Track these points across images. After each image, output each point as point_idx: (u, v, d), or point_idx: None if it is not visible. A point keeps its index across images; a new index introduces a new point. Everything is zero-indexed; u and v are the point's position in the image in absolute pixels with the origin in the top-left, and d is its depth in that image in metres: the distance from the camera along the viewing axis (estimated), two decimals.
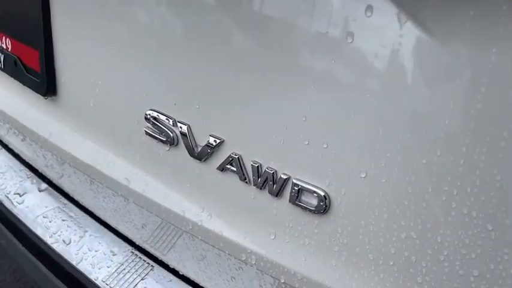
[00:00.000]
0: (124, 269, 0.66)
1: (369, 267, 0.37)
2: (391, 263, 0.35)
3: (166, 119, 0.46)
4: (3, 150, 0.88)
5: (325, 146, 0.36)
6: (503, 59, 0.28)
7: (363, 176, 0.35)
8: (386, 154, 0.33)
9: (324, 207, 0.37)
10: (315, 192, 0.37)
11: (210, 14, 0.42)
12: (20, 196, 0.80)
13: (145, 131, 0.49)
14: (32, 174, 0.81)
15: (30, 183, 0.81)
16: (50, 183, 0.79)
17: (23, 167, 0.84)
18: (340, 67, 0.34)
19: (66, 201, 0.76)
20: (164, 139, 0.47)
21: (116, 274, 0.65)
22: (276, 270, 0.42)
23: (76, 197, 0.72)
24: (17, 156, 0.84)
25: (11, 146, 0.81)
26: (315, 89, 0.35)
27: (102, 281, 0.64)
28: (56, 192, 0.79)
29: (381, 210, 0.35)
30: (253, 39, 0.39)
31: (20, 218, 0.75)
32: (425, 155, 0.31)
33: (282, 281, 0.42)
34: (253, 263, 0.44)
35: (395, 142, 0.32)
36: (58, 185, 0.76)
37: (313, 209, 0.38)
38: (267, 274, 0.43)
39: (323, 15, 0.34)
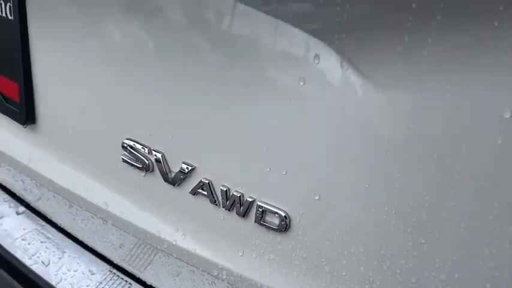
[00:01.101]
0: (103, 287, 0.68)
1: (325, 277, 0.42)
2: (344, 274, 0.41)
3: (142, 147, 0.51)
4: None
5: (284, 172, 0.41)
6: (425, 99, 0.34)
7: (317, 198, 0.40)
8: (335, 180, 0.38)
9: (285, 225, 0.42)
10: (276, 213, 0.42)
11: (177, 55, 0.46)
12: None
13: (122, 158, 0.53)
14: (10, 197, 0.83)
15: (8, 207, 0.83)
16: (27, 206, 0.81)
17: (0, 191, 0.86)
18: (294, 106, 0.39)
19: (44, 223, 0.79)
20: (140, 166, 0.51)
21: None
22: (245, 284, 0.47)
23: (54, 219, 0.75)
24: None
25: None
26: (274, 125, 0.41)
27: None
28: (33, 215, 0.81)
29: (333, 228, 0.40)
30: (219, 78, 0.44)
31: None
32: (366, 186, 0.37)
33: None
34: (224, 277, 0.48)
35: (342, 171, 0.38)
36: (36, 207, 0.79)
37: (276, 227, 0.43)
38: None
39: (281, 61, 0.39)
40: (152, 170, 0.51)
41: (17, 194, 0.81)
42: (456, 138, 0.33)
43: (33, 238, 0.77)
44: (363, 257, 0.39)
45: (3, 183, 0.83)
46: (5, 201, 0.84)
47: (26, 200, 0.79)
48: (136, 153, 0.51)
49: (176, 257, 0.52)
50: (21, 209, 0.83)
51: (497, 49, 0.30)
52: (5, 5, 0.59)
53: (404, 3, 0.31)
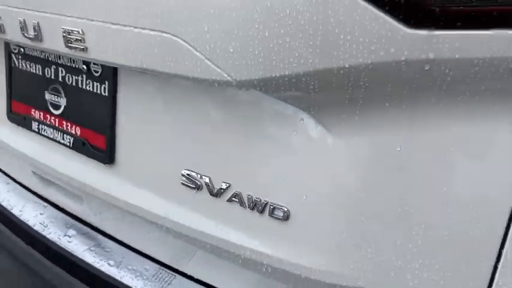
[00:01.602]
0: (155, 279, 0.96)
1: (314, 248, 0.72)
2: (328, 246, 0.71)
3: (196, 174, 0.81)
4: (50, 206, 1.18)
5: (285, 184, 0.72)
6: (368, 144, 0.65)
7: (304, 198, 0.71)
8: (311, 191, 0.69)
9: (286, 216, 0.73)
10: (281, 208, 0.73)
11: (212, 121, 0.78)
12: (69, 237, 1.10)
13: (182, 182, 0.83)
14: (75, 222, 1.12)
15: (75, 229, 1.11)
16: (90, 227, 1.10)
17: (66, 217, 1.15)
18: (290, 147, 0.71)
19: (104, 239, 1.07)
20: (193, 186, 0.82)
21: (149, 282, 0.96)
22: (261, 256, 0.76)
23: (114, 234, 1.04)
24: (62, 209, 1.15)
25: (59, 204, 1.12)
26: (277, 157, 0.72)
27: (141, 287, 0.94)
28: (95, 233, 1.10)
29: (316, 216, 0.70)
30: (245, 130, 0.76)
31: (71, 252, 1.05)
32: (330, 201, 0.68)
33: (271, 266, 0.75)
34: (247, 254, 0.77)
35: (315, 188, 0.69)
36: (98, 226, 1.08)
37: (281, 218, 0.73)
38: (266, 264, 0.76)
39: (283, 121, 0.71)
40: (201, 188, 0.81)
41: (82, 218, 1.10)
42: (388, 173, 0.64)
43: (98, 249, 1.06)
44: (343, 234, 0.69)
45: (70, 211, 1.12)
46: (72, 224, 1.13)
47: (89, 222, 1.08)
48: (191, 178, 0.82)
49: (220, 248, 0.81)
50: (85, 229, 1.12)
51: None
52: (101, 86, 0.91)
53: (345, 95, 0.63)
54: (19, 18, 0.85)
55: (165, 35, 0.67)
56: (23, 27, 0.86)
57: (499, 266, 0.59)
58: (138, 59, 0.73)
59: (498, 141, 0.57)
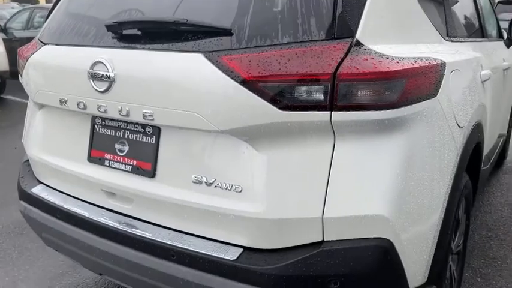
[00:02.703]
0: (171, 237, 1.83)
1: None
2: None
3: (205, 178, 1.74)
4: (107, 211, 2.04)
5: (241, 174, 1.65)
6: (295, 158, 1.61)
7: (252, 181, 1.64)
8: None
9: (240, 190, 1.65)
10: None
11: None
12: (121, 224, 1.95)
13: (192, 181, 1.75)
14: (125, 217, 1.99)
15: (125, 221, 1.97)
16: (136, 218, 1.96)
17: (118, 215, 2.01)
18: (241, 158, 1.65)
19: (143, 223, 1.94)
20: (203, 183, 1.74)
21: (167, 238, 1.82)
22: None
23: (149, 220, 1.91)
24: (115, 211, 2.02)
25: (115, 208, 2.00)
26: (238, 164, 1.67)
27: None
28: (138, 222, 1.96)
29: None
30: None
31: (123, 230, 1.90)
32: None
33: None
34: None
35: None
36: (140, 217, 1.94)
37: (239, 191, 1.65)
38: None
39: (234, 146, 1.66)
40: (209, 185, 1.74)
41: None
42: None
43: (138, 228, 1.92)
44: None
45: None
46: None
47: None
48: (200, 181, 1.74)
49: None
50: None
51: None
52: (151, 138, 1.85)
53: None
54: (118, 106, 1.81)
55: (191, 113, 1.64)
56: (121, 110, 1.81)
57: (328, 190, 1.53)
58: (176, 123, 1.68)
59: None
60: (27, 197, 2.29)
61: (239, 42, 1.60)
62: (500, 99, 3.42)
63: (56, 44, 2.03)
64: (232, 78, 1.55)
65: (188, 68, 1.63)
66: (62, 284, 2.95)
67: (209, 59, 1.59)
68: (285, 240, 1.62)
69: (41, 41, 2.15)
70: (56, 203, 2.13)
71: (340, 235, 1.59)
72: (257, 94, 1.54)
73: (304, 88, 1.52)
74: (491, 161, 3.57)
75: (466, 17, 3.02)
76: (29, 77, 2.13)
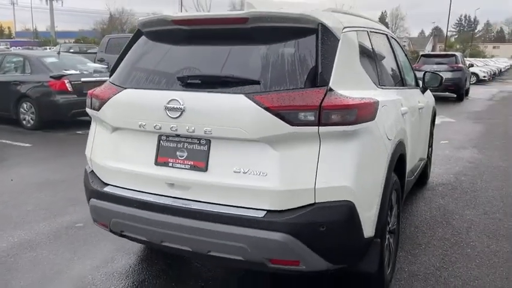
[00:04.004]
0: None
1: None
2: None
3: (242, 170, 2.85)
4: (165, 197, 3.08)
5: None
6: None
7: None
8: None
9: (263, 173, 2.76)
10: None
11: None
12: (175, 204, 3.00)
13: (234, 171, 2.85)
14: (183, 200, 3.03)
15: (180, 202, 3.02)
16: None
17: (174, 199, 3.05)
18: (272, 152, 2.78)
19: (194, 202, 3.00)
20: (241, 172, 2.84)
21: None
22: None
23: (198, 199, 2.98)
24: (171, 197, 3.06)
25: (173, 194, 3.05)
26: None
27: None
28: (190, 201, 3.01)
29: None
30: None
31: (176, 206, 2.95)
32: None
33: None
34: None
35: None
36: (193, 198, 3.00)
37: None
38: None
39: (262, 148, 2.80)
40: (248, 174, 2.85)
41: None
42: None
43: (188, 206, 2.97)
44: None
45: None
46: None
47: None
48: (240, 172, 2.85)
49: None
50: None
51: None
52: (204, 146, 2.95)
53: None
54: (187, 126, 2.89)
55: (237, 128, 2.77)
56: (188, 129, 2.89)
57: (317, 172, 2.70)
58: (226, 135, 2.80)
59: None
60: (99, 195, 3.25)
61: (265, 87, 2.80)
62: (418, 130, 4.83)
63: (136, 88, 3.12)
64: (262, 108, 2.72)
65: (235, 102, 2.79)
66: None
67: (248, 97, 2.76)
68: (292, 203, 2.75)
69: (117, 85, 3.22)
70: (128, 195, 3.13)
71: (324, 199, 2.75)
72: (276, 116, 2.71)
73: (303, 113, 2.71)
74: (415, 175, 4.94)
75: (391, 71, 4.43)
76: (112, 110, 3.18)
